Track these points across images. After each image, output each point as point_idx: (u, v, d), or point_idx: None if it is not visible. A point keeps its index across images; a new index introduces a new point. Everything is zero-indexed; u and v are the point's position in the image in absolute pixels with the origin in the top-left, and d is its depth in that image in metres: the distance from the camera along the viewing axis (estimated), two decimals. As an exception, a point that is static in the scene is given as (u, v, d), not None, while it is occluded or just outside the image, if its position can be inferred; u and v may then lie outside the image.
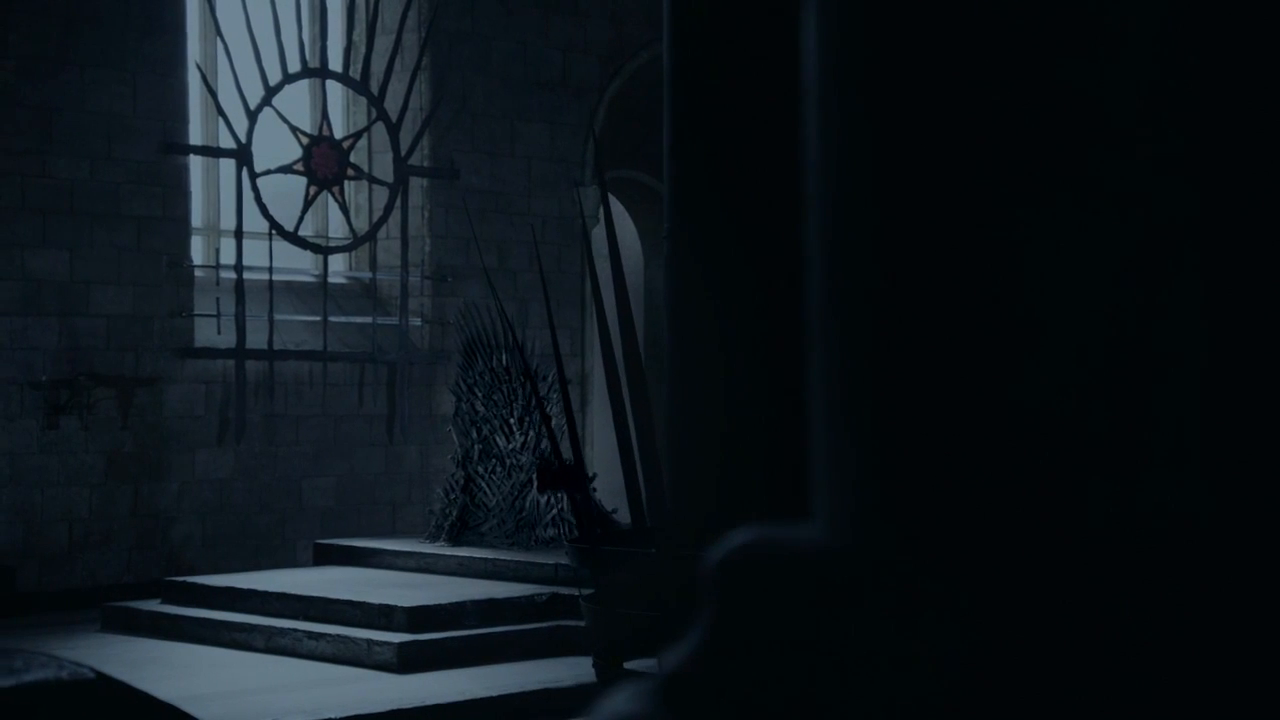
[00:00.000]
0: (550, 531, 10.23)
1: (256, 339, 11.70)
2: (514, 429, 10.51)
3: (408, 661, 8.18)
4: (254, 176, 11.71)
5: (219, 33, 11.63)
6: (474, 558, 9.89)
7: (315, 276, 12.32)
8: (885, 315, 1.20)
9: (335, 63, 12.44)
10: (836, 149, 1.23)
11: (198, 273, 11.55)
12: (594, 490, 9.13)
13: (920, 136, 1.19)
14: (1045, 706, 1.18)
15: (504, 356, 10.62)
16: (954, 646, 1.18)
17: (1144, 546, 1.16)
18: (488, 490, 10.47)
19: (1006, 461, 1.17)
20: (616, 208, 13.67)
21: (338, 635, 8.48)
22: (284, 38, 11.89)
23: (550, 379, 10.51)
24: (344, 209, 12.34)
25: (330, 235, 12.64)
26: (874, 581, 1.20)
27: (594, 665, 7.21)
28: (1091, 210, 1.16)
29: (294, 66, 12.00)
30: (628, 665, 7.00)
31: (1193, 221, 1.15)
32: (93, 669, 2.66)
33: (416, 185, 12.65)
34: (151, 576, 10.69)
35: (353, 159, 12.28)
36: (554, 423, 9.93)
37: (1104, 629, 1.17)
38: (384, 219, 12.50)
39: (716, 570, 1.26)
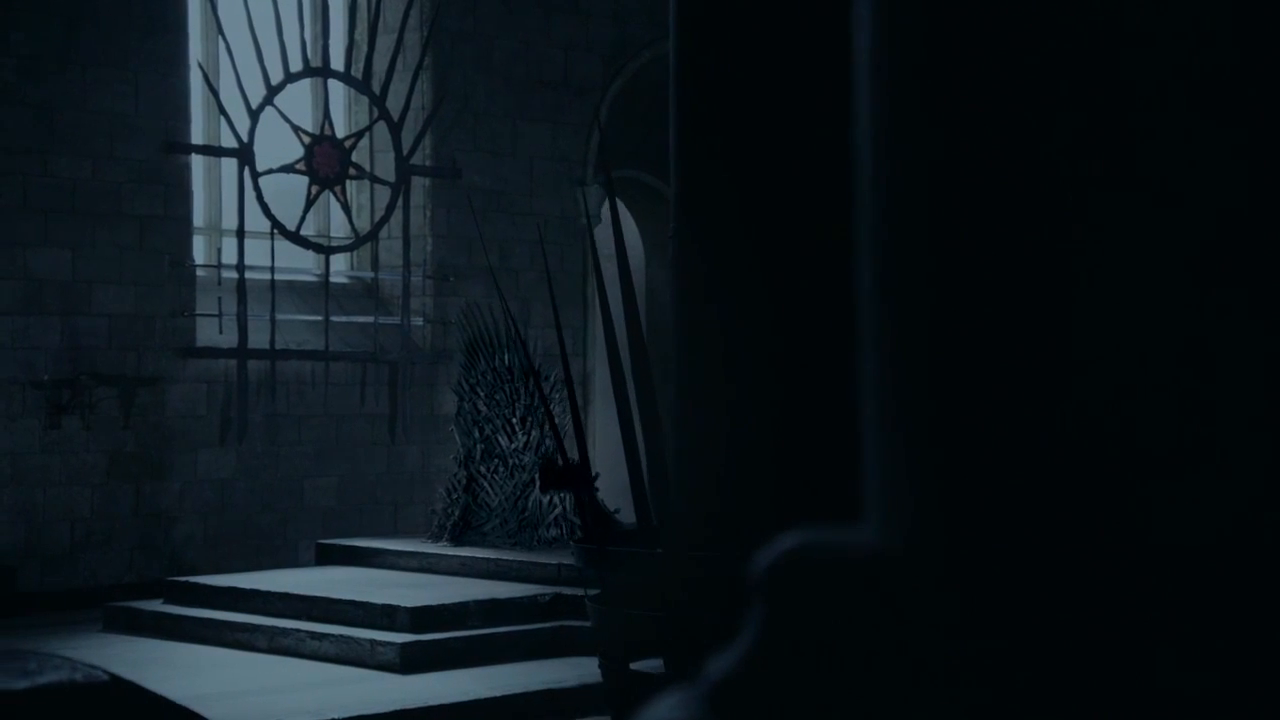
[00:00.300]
0: (553, 531, 10.21)
1: (258, 338, 11.68)
2: (516, 429, 10.49)
3: (411, 662, 8.16)
4: (256, 176, 11.69)
5: (221, 32, 11.61)
6: (477, 558, 9.87)
7: (317, 276, 12.30)
8: (940, 316, 1.18)
9: (337, 62, 12.42)
10: (888, 147, 1.21)
11: (199, 272, 11.53)
12: (597, 490, 9.11)
13: (976, 134, 1.18)
14: (1100, 714, 1.16)
15: (506, 356, 10.59)
16: (1008, 653, 1.16)
17: (1205, 555, 1.14)
18: (490, 490, 10.45)
19: (1064, 465, 1.15)
20: (619, 207, 13.64)
21: (340, 635, 8.46)
22: (286, 37, 11.88)
23: (553, 378, 10.48)
24: (346, 208, 12.31)
25: (332, 235, 12.62)
26: (928, 586, 1.18)
27: (600, 666, 7.18)
28: (1151, 209, 1.14)
29: (296, 66, 11.98)
30: (634, 666, 6.97)
31: (1255, 220, 1.13)
32: (105, 670, 2.64)
33: (418, 185, 12.64)
34: (153, 576, 10.67)
35: (355, 158, 12.25)
36: (557, 421, 9.91)
37: (1162, 638, 1.15)
38: (386, 218, 12.48)
39: (765, 574, 1.24)
